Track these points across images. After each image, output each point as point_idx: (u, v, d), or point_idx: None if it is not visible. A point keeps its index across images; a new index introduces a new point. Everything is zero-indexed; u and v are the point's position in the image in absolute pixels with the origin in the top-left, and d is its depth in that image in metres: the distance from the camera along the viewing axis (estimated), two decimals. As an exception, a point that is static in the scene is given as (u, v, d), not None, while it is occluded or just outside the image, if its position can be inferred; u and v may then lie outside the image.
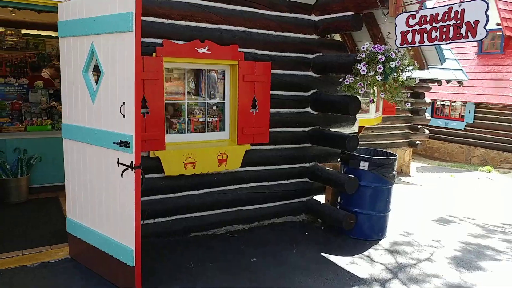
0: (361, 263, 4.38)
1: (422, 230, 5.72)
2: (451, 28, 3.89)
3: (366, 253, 4.68)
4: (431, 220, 6.38)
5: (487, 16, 3.61)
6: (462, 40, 3.79)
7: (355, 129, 9.51)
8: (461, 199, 8.59)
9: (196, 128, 4.66)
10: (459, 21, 3.81)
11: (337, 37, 6.09)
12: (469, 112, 16.41)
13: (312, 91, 5.35)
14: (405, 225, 5.88)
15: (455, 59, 11.83)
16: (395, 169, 5.11)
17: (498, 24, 15.53)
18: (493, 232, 6.07)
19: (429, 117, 12.16)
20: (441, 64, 5.79)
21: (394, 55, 4.16)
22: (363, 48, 4.30)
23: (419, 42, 4.14)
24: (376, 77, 4.15)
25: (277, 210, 5.29)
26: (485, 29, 3.63)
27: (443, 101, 17.37)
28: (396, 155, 5.20)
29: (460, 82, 11.60)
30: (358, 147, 5.66)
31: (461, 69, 11.74)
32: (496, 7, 15.41)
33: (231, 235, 4.80)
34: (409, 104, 11.10)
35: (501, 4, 15.54)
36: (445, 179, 11.44)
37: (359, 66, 4.26)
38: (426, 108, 12.45)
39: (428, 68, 5.63)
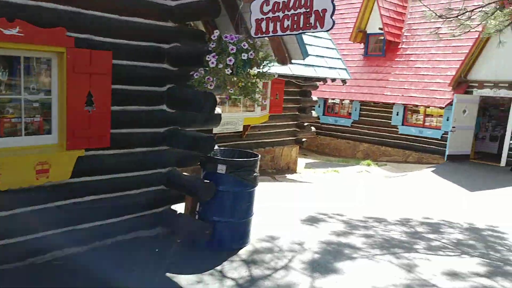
0: (209, 281, 3.94)
1: (288, 233, 5.52)
2: (302, 17, 3.58)
3: (219, 267, 4.26)
4: (300, 220, 6.23)
5: (334, 6, 3.36)
6: (312, 30, 3.51)
7: (239, 128, 9.20)
8: (337, 194, 8.76)
9: (7, 131, 3.77)
10: (308, 10, 3.52)
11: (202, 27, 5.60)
12: (355, 110, 17.26)
13: (168, 86, 4.78)
14: (273, 228, 5.63)
15: (340, 59, 12.16)
16: (256, 170, 4.78)
17: (380, 28, 16.51)
18: (356, 227, 6.11)
19: (316, 115, 12.38)
20: (303, 59, 5.61)
21: (247, 46, 3.76)
22: (214, 37, 3.84)
23: (272, 32, 3.78)
24: (226, 70, 3.72)
25: (125, 225, 4.60)
26: (332, 19, 3.38)
27: (334, 99, 18.05)
28: (258, 156, 4.86)
29: (343, 81, 11.96)
30: (225, 148, 5.27)
31: (345, 69, 12.11)
32: (379, 13, 16.36)
33: (58, 262, 4.01)
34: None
35: (383, 10, 16.51)
36: (329, 175, 11.74)
37: (208, 57, 3.79)
38: (314, 107, 12.69)
39: (291, 63, 5.41)
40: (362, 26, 17.37)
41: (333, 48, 11.93)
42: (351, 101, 17.32)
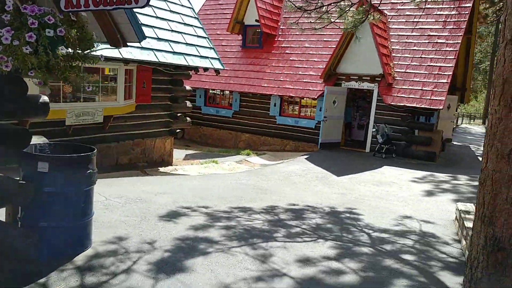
0: (21, 299, 3.29)
1: (140, 231, 5.03)
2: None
3: (43, 280, 3.61)
4: (158, 216, 5.78)
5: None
6: (126, 5, 3.05)
7: (99, 119, 8.37)
8: (207, 185, 8.51)
9: None
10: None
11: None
12: (236, 101, 17.27)
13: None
14: (124, 227, 5.09)
15: (212, 48, 11.89)
16: (92, 167, 4.18)
17: (257, 20, 16.69)
18: (218, 219, 5.87)
19: (190, 105, 11.97)
20: (140, 42, 5.16)
21: (54, 20, 3.14)
22: (8, 7, 3.14)
23: (84, 6, 3.23)
24: (24, 48, 3.06)
25: None
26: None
27: (214, 90, 17.84)
28: (93, 150, 4.26)
29: (217, 71, 11.72)
30: (56, 143, 4.54)
31: (218, 58, 11.89)
32: (255, 5, 16.52)
33: None
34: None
35: (260, 3, 16.73)
36: (208, 166, 11.46)
37: (1, 32, 3.09)
38: (189, 96, 12.25)
39: (127, 46, 4.89)
40: (239, 17, 17.40)
41: (204, 37, 11.60)
42: (231, 92, 17.31)
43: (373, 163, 12.42)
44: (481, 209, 3.19)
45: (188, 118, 11.75)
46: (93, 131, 8.86)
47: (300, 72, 15.70)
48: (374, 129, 13.57)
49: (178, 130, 11.15)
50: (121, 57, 8.22)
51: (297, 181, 9.59)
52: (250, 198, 7.48)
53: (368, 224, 6.29)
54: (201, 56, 10.82)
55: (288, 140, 16.13)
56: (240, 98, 17.18)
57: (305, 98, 15.36)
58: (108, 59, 7.86)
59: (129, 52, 8.49)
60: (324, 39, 16.05)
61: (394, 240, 5.57)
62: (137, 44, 8.80)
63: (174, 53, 9.85)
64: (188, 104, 11.60)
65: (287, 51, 16.60)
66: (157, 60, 9.15)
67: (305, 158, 12.90)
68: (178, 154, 14.08)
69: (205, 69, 11.17)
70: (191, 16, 11.55)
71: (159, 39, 9.68)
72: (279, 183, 9.22)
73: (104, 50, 3.85)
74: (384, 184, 9.73)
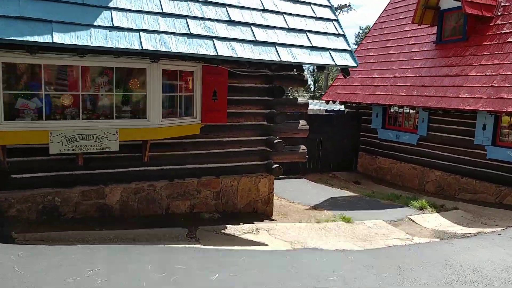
0: None
1: None
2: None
3: None
4: None
5: None
6: None
7: (112, 146, 5.42)
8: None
9: None
10: None
11: None
12: (422, 122, 11.81)
13: None
14: None
15: (342, 35, 7.37)
16: None
17: (458, -3, 10.98)
18: None
19: (306, 126, 7.72)
20: None
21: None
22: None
23: None
24: None
25: None
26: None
27: (391, 106, 12.82)
28: None
29: (345, 71, 7.16)
30: None
31: (349, 51, 7.56)
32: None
33: None
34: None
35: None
36: (325, 226, 7.02)
37: None
38: (302, 113, 8.08)
39: None
40: (431, 1, 11.98)
41: (330, 19, 7.21)
42: (416, 108, 11.95)
43: None
44: None
45: (302, 147, 7.58)
46: (124, 162, 6.01)
47: (530, 70, 9.17)
48: None
49: (275, 165, 7.15)
50: (140, 48, 5.06)
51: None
52: None
53: None
54: (313, 48, 6.56)
55: (509, 188, 9.63)
56: (428, 118, 11.62)
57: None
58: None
59: (162, 41, 5.26)
60: None
61: None
62: (185, 29, 5.54)
63: (256, 43, 6.06)
64: (302, 125, 7.45)
65: (509, 39, 10.19)
66: (214, 54, 5.58)
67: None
68: (324, 194, 9.95)
69: (319, 69, 6.86)
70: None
71: (231, 21, 6.12)
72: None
73: None
74: None
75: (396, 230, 7.19)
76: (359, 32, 50.03)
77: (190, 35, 5.63)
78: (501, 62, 9.91)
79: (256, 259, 4.85)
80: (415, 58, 12.49)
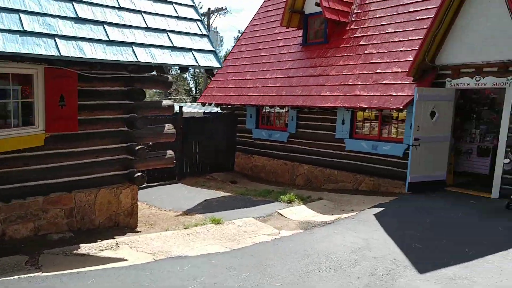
0: None
1: None
2: None
3: None
4: None
5: None
6: None
7: None
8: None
9: None
10: None
11: None
12: (292, 120, 12.39)
13: None
14: None
15: (206, 35, 7.34)
16: None
17: (317, 4, 11.74)
18: None
19: (172, 130, 7.51)
20: None
21: None
22: None
23: None
24: None
25: None
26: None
27: (263, 106, 13.25)
28: None
29: (209, 72, 7.27)
30: None
31: (213, 51, 7.42)
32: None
33: None
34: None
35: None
36: (195, 231, 6.86)
37: None
38: (170, 116, 7.86)
39: None
40: (297, 5, 12.70)
41: (194, 19, 7.11)
42: (283, 107, 12.53)
43: (505, 230, 6.40)
44: None
45: (169, 152, 7.32)
46: None
47: (378, 70, 10.21)
48: (507, 160, 7.42)
49: (137, 174, 6.77)
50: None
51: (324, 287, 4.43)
52: None
53: None
54: (175, 48, 6.35)
55: (363, 176, 10.62)
56: (297, 116, 12.25)
57: (385, 110, 9.80)
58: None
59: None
60: (417, 17, 10.34)
61: None
62: (17, 26, 4.84)
63: (110, 42, 5.61)
64: (168, 129, 7.19)
65: (361, 42, 11.23)
66: (56, 54, 4.99)
67: (375, 215, 7.44)
68: (199, 197, 9.77)
69: (182, 70, 6.68)
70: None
71: (79, 18, 5.56)
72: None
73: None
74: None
75: (264, 226, 7.36)
76: (238, 36, 51.24)
77: (24, 33, 4.96)
78: (355, 63, 10.88)
79: (108, 279, 4.47)
80: (284, 60, 13.07)
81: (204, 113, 15.88)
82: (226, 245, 6.19)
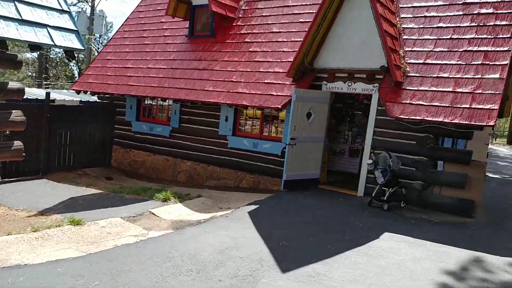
0: None
1: None
2: None
3: None
4: None
5: None
6: None
7: None
8: None
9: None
10: None
11: None
12: (175, 114, 11.86)
13: None
14: None
15: (68, 12, 6.56)
16: None
17: (204, -6, 11.40)
18: None
19: (21, 118, 6.60)
20: None
21: None
22: None
23: None
24: None
25: None
26: None
27: (145, 97, 12.48)
28: None
29: (69, 54, 6.31)
30: None
31: (76, 31, 6.63)
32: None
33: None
34: None
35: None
36: (47, 233, 6.00)
37: None
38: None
39: None
40: (180, -6, 12.15)
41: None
42: (166, 100, 11.97)
43: (365, 226, 6.82)
44: None
45: (17, 143, 6.31)
46: None
47: (261, 69, 10.26)
48: (370, 161, 7.96)
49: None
50: None
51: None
52: None
53: None
54: (24, 21, 5.44)
55: (244, 173, 10.59)
56: (180, 110, 11.77)
57: (266, 109, 9.87)
58: None
59: None
60: (301, 20, 10.64)
61: None
62: None
63: None
64: (16, 116, 6.17)
65: (246, 39, 11.20)
66: None
67: (249, 212, 7.37)
68: (64, 195, 8.70)
69: (32, 48, 5.77)
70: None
71: None
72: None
73: None
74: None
75: (132, 226, 6.79)
76: (131, 21, 48.57)
77: None
78: (240, 60, 10.80)
79: None
80: (168, 50, 12.48)
81: (81, 101, 14.50)
82: (83, 249, 5.52)
